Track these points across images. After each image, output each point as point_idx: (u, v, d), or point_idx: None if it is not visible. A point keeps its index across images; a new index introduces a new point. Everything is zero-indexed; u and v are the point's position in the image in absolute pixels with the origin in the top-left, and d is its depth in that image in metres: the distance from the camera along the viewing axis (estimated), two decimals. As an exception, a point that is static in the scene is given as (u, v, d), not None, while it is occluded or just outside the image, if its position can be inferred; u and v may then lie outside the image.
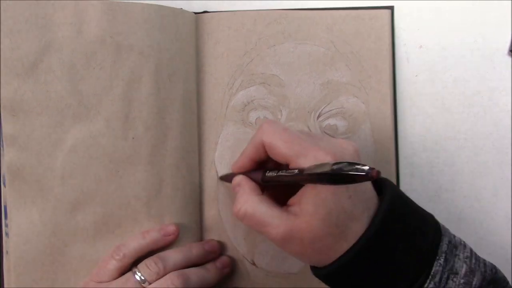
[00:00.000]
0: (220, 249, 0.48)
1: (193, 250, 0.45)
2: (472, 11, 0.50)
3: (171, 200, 0.46)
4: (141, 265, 0.43)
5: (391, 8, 0.48)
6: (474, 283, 0.36)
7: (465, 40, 0.50)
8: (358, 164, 0.30)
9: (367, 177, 0.30)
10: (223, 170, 0.48)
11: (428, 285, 0.35)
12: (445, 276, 0.36)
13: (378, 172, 0.29)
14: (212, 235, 0.48)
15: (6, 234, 0.44)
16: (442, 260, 0.36)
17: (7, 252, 0.44)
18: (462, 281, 0.36)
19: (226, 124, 0.48)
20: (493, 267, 0.38)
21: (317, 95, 0.48)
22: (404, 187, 0.50)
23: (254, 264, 0.48)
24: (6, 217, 0.43)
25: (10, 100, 0.42)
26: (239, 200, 0.39)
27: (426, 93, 0.51)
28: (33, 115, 0.43)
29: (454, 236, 0.38)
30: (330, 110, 0.48)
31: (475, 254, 0.38)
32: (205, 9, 0.49)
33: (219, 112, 0.49)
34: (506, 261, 0.50)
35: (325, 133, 0.48)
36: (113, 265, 0.43)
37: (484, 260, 0.38)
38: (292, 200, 0.37)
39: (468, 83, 0.50)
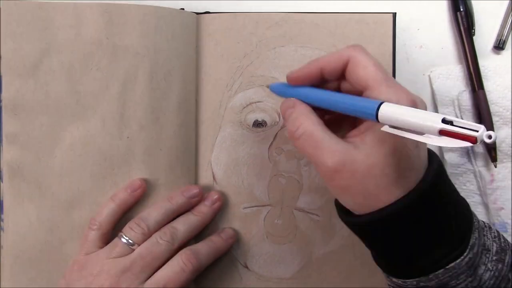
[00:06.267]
0: (202, 191, 0.46)
1: (173, 200, 0.45)
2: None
3: (165, 200, 0.47)
4: (125, 229, 0.43)
5: (393, 14, 0.47)
6: (506, 260, 0.36)
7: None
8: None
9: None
10: (220, 171, 0.48)
11: (467, 254, 0.34)
12: (480, 250, 0.35)
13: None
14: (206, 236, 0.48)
15: (2, 228, 0.45)
16: (477, 234, 0.35)
17: (2, 246, 0.45)
18: (494, 258, 0.35)
19: (223, 125, 0.48)
20: None
21: (316, 99, 0.47)
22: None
23: (246, 267, 0.48)
24: (2, 212, 0.45)
25: (12, 100, 0.44)
26: (297, 120, 0.36)
27: (426, 93, 0.50)
28: (34, 114, 0.44)
29: (479, 220, 0.37)
30: (330, 114, 0.47)
31: (502, 235, 0.37)
32: (207, 10, 0.49)
33: (217, 113, 0.49)
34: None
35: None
36: (93, 235, 0.43)
37: (509, 241, 0.38)
38: (353, 132, 0.35)
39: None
